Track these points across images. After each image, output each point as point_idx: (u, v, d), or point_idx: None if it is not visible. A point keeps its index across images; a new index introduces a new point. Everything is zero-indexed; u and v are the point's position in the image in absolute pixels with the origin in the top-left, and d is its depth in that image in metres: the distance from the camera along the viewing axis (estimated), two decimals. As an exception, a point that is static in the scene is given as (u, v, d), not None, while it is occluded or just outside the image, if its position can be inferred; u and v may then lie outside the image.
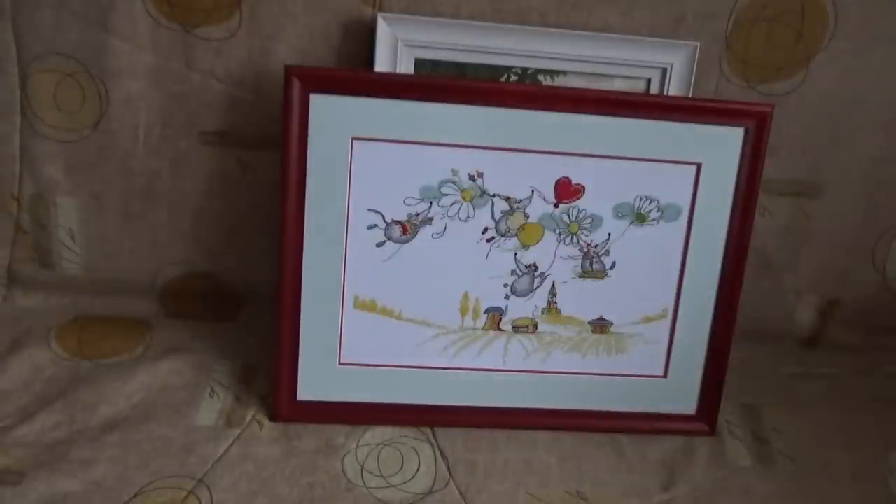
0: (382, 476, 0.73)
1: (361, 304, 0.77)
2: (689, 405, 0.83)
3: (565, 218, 0.77)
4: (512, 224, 0.77)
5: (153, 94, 0.85)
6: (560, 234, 0.78)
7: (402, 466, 0.74)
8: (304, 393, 0.78)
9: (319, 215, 0.74)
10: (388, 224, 0.76)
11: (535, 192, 0.76)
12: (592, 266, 0.79)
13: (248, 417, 0.78)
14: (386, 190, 0.75)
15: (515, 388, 0.81)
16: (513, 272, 0.78)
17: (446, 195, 0.75)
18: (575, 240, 0.78)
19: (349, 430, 0.77)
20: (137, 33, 0.82)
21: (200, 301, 0.94)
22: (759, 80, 0.87)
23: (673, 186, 0.77)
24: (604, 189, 0.77)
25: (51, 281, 0.92)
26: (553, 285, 0.79)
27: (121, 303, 0.93)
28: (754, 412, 0.85)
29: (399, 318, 0.78)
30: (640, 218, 0.78)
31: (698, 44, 0.83)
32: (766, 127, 0.76)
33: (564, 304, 0.80)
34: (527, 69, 0.83)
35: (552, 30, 0.82)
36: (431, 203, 0.75)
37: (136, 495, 0.67)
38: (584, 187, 0.77)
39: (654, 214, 0.78)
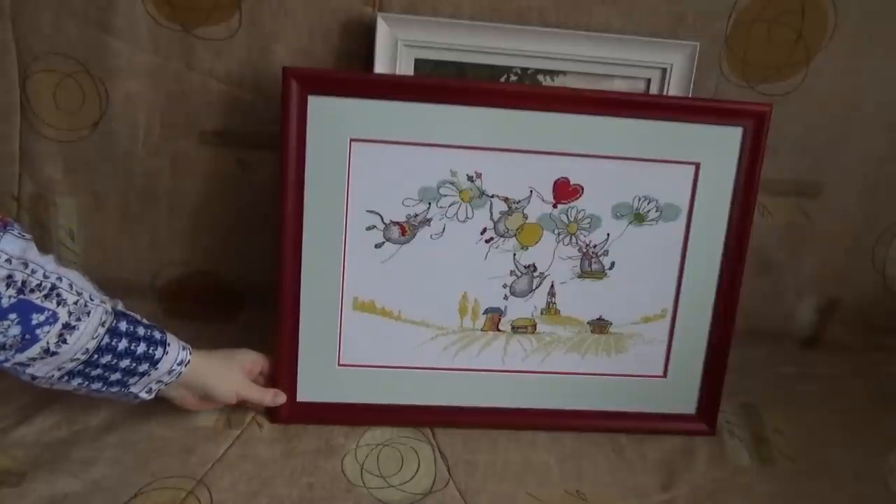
0: (382, 476, 0.73)
1: (361, 305, 0.77)
2: (689, 405, 0.83)
3: (564, 218, 0.77)
4: (511, 224, 0.77)
5: (153, 94, 0.85)
6: (559, 234, 0.78)
7: (401, 467, 0.74)
8: (304, 394, 0.78)
9: (318, 216, 0.74)
10: (386, 225, 0.76)
11: (534, 193, 0.76)
12: (591, 266, 0.79)
13: (248, 418, 0.78)
14: (384, 191, 0.75)
15: (515, 389, 0.81)
16: (512, 273, 0.78)
17: (445, 196, 0.75)
18: (574, 240, 0.78)
19: (349, 430, 0.77)
20: (137, 33, 0.82)
21: (200, 301, 0.94)
22: (759, 80, 0.87)
23: (672, 186, 0.77)
24: (603, 189, 0.77)
25: (51, 281, 0.92)
26: (552, 286, 0.79)
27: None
28: (754, 412, 0.85)
29: (398, 318, 0.78)
30: (639, 218, 0.78)
31: (698, 44, 0.83)
32: (764, 127, 0.76)
33: (564, 305, 0.80)
34: (527, 69, 0.83)
35: (552, 30, 0.82)
36: (430, 204, 0.75)
37: (136, 495, 0.67)
38: (582, 187, 0.76)
39: (652, 214, 0.78)
